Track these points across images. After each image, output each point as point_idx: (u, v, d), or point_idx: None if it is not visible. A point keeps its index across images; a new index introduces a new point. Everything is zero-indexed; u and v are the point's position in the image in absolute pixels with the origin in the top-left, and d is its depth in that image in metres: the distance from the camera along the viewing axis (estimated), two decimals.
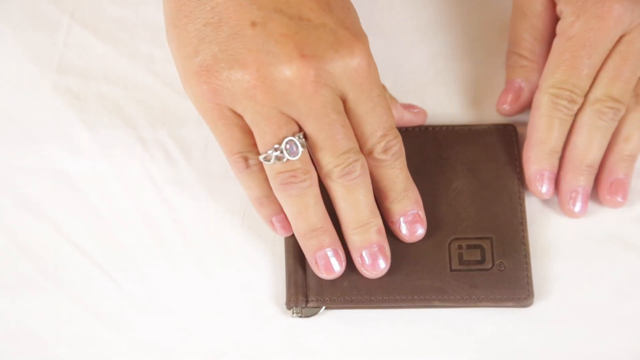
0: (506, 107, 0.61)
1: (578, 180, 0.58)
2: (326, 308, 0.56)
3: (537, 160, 0.58)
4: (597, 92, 0.57)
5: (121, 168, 0.60)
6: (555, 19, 0.59)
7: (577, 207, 0.58)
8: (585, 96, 0.58)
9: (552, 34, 0.59)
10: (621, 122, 0.58)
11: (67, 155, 0.61)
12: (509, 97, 0.61)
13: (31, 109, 0.62)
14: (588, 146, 0.58)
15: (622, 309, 0.57)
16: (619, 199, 0.58)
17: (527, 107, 0.60)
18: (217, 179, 0.60)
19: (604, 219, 0.59)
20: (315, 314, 0.56)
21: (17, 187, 0.59)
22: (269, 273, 0.58)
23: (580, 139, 0.58)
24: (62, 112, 0.62)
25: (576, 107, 0.57)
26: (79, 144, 0.61)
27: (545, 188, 0.58)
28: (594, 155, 0.58)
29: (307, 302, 0.56)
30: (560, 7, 0.58)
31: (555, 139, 0.58)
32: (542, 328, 0.56)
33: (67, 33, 0.65)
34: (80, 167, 0.60)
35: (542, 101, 0.58)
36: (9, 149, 0.61)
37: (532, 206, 0.59)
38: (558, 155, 0.58)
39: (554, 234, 0.59)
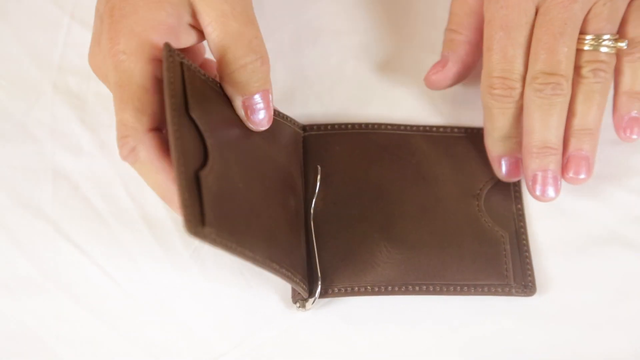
0: (432, 77, 0.60)
1: (532, 164, 0.57)
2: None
3: (492, 148, 0.58)
4: (530, 71, 0.56)
5: (121, 168, 0.60)
6: None
7: (538, 191, 0.57)
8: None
9: (481, 10, 0.59)
10: (571, 96, 0.57)
11: (67, 155, 0.61)
12: (437, 67, 0.60)
13: (31, 109, 0.62)
14: (533, 128, 0.56)
15: (622, 309, 0.57)
16: (581, 176, 0.57)
17: (455, 80, 0.60)
18: None
19: (604, 219, 0.59)
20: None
21: (17, 187, 0.59)
22: (269, 273, 0.58)
23: (526, 122, 0.57)
24: (62, 112, 0.62)
25: (515, 92, 0.56)
26: (79, 144, 0.61)
27: (504, 170, 0.58)
28: (543, 135, 0.56)
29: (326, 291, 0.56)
30: None
31: (501, 127, 0.57)
32: (542, 327, 0.56)
33: (67, 33, 0.65)
34: (80, 167, 0.60)
35: (482, 94, 0.57)
36: (9, 149, 0.61)
37: (533, 206, 0.60)
38: (514, 140, 0.58)
39: (554, 233, 0.59)
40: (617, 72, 0.58)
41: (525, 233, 0.58)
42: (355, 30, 0.66)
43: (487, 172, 0.60)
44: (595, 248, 0.59)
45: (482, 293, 0.56)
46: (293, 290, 0.56)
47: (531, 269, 0.57)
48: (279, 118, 0.59)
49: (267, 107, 0.54)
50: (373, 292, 0.56)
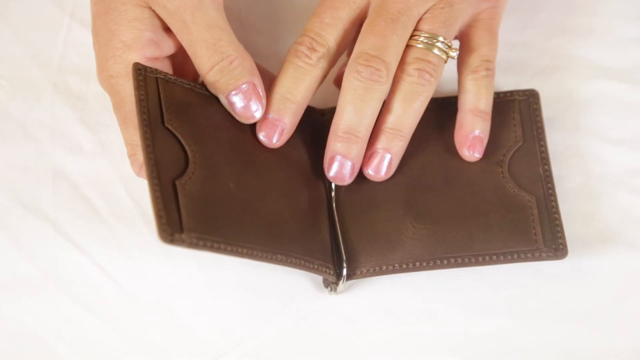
0: None
1: (335, 145, 0.56)
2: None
3: (270, 105, 0.56)
4: (354, 50, 0.55)
5: (121, 168, 0.60)
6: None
7: (332, 172, 0.57)
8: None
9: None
10: (390, 92, 0.56)
11: (67, 155, 0.61)
12: None
13: (31, 109, 0.62)
14: (344, 110, 0.55)
15: (622, 309, 0.57)
16: (380, 174, 0.57)
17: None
18: None
19: (604, 219, 0.59)
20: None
21: (17, 187, 0.59)
22: (269, 273, 0.58)
23: (340, 102, 0.55)
24: (62, 112, 0.62)
25: (316, 56, 0.55)
26: (79, 144, 0.61)
27: (263, 135, 0.56)
28: (352, 121, 0.55)
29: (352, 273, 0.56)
30: None
31: (289, 85, 0.55)
32: (542, 327, 0.56)
33: (67, 33, 0.65)
34: (80, 167, 0.60)
35: (289, 50, 0.56)
36: (9, 149, 0.61)
37: None
38: (292, 105, 0.56)
39: None
40: (462, 89, 0.58)
41: (554, 194, 0.58)
42: None
43: (509, 137, 0.59)
44: (595, 248, 0.58)
45: (512, 260, 0.56)
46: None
47: (562, 231, 0.56)
48: None
49: (250, 99, 0.54)
50: (401, 270, 0.56)
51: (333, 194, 0.58)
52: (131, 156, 0.54)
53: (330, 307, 0.57)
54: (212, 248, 0.50)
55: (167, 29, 0.55)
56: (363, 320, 0.57)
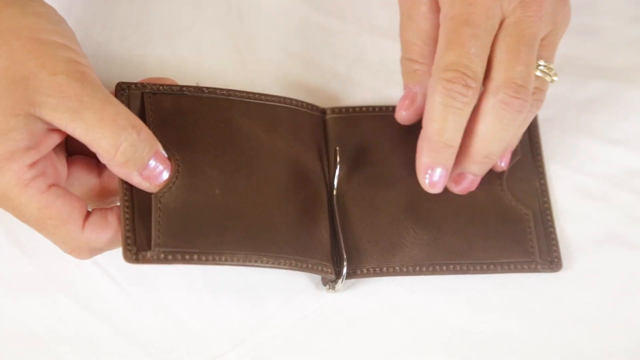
0: (403, 112, 0.58)
1: (469, 167, 0.56)
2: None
3: (429, 154, 0.54)
4: (497, 79, 0.53)
5: None
6: (439, 11, 0.56)
7: (459, 188, 0.57)
8: (485, 84, 0.54)
9: (438, 30, 0.56)
10: None
11: None
12: (405, 103, 0.58)
13: None
14: (486, 137, 0.54)
15: (622, 309, 0.57)
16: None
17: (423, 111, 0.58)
18: None
19: (604, 219, 0.59)
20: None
21: None
22: (269, 272, 0.58)
23: (482, 124, 0.54)
24: None
25: (471, 93, 0.52)
26: None
27: (433, 183, 0.55)
28: (490, 147, 0.54)
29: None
30: None
31: (451, 131, 0.53)
32: (542, 327, 0.56)
33: None
34: None
35: (433, 89, 0.53)
36: None
37: None
38: (453, 150, 0.54)
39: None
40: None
41: (549, 209, 0.59)
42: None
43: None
44: (595, 248, 0.59)
45: (509, 271, 0.57)
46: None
47: (556, 245, 0.58)
48: (291, 105, 0.59)
49: (164, 163, 0.52)
50: (401, 273, 0.56)
51: (335, 192, 0.58)
52: (71, 254, 0.52)
53: (330, 306, 0.57)
54: (183, 260, 0.51)
55: (45, 130, 0.50)
56: (363, 319, 0.57)
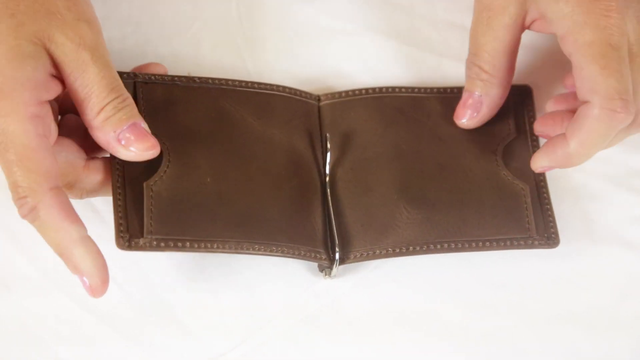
0: (464, 121, 0.59)
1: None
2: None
3: (577, 160, 0.56)
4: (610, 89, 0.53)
5: None
6: (523, 28, 0.57)
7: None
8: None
9: (517, 45, 0.57)
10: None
11: None
12: (467, 113, 0.58)
13: None
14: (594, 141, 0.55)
15: (622, 309, 0.57)
16: None
17: (484, 121, 0.59)
18: None
19: (604, 219, 0.59)
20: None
21: None
22: (269, 273, 0.58)
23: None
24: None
25: (631, 118, 0.53)
26: None
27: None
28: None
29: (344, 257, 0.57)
30: (542, 10, 0.55)
31: (604, 147, 0.55)
32: (542, 327, 0.56)
33: None
34: None
35: (599, 116, 0.53)
36: None
37: None
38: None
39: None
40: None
41: (545, 186, 0.58)
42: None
43: (504, 127, 0.60)
44: (595, 248, 0.59)
45: (505, 247, 0.56)
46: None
47: (553, 221, 0.57)
48: (284, 93, 0.60)
49: (145, 135, 0.53)
50: (394, 254, 0.56)
51: (327, 179, 0.58)
52: (19, 199, 0.50)
53: (330, 307, 0.57)
54: (175, 248, 0.52)
55: (50, 74, 0.52)
56: (363, 320, 0.57)
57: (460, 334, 0.56)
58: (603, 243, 0.59)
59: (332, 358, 0.56)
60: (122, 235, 0.52)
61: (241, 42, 0.64)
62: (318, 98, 0.61)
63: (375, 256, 0.56)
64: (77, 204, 0.59)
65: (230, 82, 0.59)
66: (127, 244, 0.52)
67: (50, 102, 0.52)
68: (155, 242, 0.52)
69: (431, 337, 0.56)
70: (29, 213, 0.50)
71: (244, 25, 0.65)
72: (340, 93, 0.61)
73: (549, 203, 0.58)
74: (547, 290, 0.57)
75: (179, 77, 0.58)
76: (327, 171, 0.58)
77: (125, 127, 0.52)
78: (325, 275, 0.57)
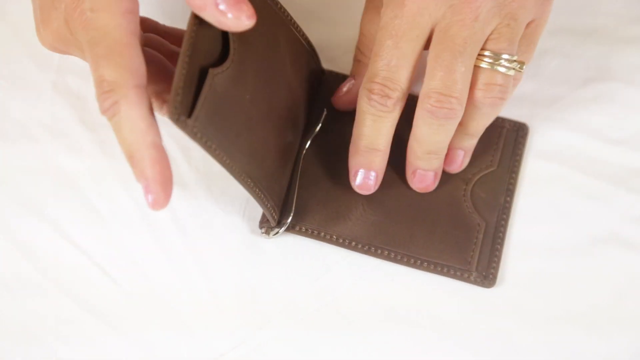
0: (337, 97, 0.61)
1: (421, 163, 0.58)
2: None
3: (353, 156, 0.57)
4: (424, 88, 0.53)
5: (121, 168, 0.60)
6: None
7: (415, 184, 0.59)
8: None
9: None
10: (465, 114, 0.56)
11: (67, 155, 0.61)
12: (342, 89, 0.61)
13: (31, 109, 0.62)
14: (422, 138, 0.56)
15: (622, 309, 0.57)
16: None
17: (351, 103, 0.60)
18: (217, 179, 0.60)
19: (604, 219, 0.59)
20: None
21: (17, 187, 0.59)
22: (269, 272, 0.58)
23: (416, 132, 0.56)
24: (62, 112, 0.62)
25: (391, 102, 0.54)
26: (79, 144, 0.61)
27: (358, 181, 0.58)
28: (430, 150, 0.57)
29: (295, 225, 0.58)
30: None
31: (368, 136, 0.56)
32: (542, 327, 0.56)
33: None
34: (80, 167, 0.60)
35: (359, 98, 0.55)
36: (9, 149, 0.61)
37: (533, 206, 0.60)
38: (379, 153, 0.56)
39: (554, 233, 0.59)
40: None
41: (505, 226, 0.59)
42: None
43: (487, 158, 0.61)
44: (595, 248, 0.59)
45: (441, 273, 0.58)
46: (262, 215, 0.58)
47: (497, 262, 0.58)
48: (310, 50, 0.61)
49: (240, 2, 0.49)
50: (337, 243, 0.58)
51: (305, 149, 0.60)
52: (104, 93, 0.48)
53: (330, 307, 0.57)
54: (203, 144, 0.50)
55: None
56: (363, 320, 0.57)
57: (461, 333, 0.56)
58: (603, 243, 0.59)
59: (332, 358, 0.56)
60: (176, 106, 0.48)
61: None
62: (322, 71, 0.64)
63: (319, 237, 0.58)
64: (77, 203, 0.59)
65: (288, 16, 0.58)
66: (176, 117, 0.48)
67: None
68: (195, 130, 0.49)
69: (431, 337, 0.56)
70: (111, 107, 0.48)
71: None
72: (345, 76, 0.63)
73: (501, 244, 0.58)
74: (547, 290, 0.57)
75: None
76: (308, 144, 0.60)
77: None
78: (263, 232, 0.58)
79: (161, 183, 0.48)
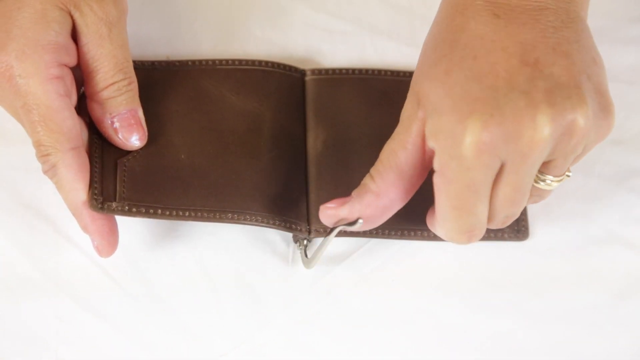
0: (324, 209, 0.53)
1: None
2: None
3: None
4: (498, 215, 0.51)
5: None
6: (424, 154, 0.51)
7: None
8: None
9: (410, 167, 0.52)
10: None
11: None
12: (334, 202, 0.53)
13: None
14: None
15: (622, 309, 0.57)
16: None
17: (340, 223, 0.54)
18: None
19: (604, 219, 0.59)
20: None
21: (17, 187, 0.59)
22: (269, 273, 0.58)
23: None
24: None
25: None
26: None
27: None
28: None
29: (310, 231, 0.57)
30: (430, 144, 0.50)
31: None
32: (542, 327, 0.56)
33: None
34: None
35: (456, 241, 0.52)
36: (9, 149, 0.61)
37: (533, 206, 0.60)
38: None
39: (554, 233, 0.59)
40: None
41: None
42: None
43: None
44: (595, 248, 0.59)
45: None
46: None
47: (525, 214, 0.58)
48: (267, 67, 0.61)
49: (137, 125, 0.55)
50: (371, 235, 0.57)
51: (306, 152, 0.59)
52: (41, 157, 0.53)
53: (330, 307, 0.57)
54: (147, 214, 0.54)
55: (69, 40, 0.54)
56: (363, 320, 0.57)
57: (461, 334, 0.56)
58: (603, 243, 0.59)
59: (332, 358, 0.56)
60: (95, 197, 0.53)
61: (240, 43, 0.64)
62: (303, 72, 0.62)
63: (352, 234, 0.57)
64: None
65: (210, 62, 0.61)
66: (99, 206, 0.53)
67: (69, 70, 0.54)
68: (127, 207, 0.54)
69: (432, 337, 0.56)
70: (50, 169, 0.53)
71: (243, 25, 0.65)
72: (326, 70, 0.62)
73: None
74: (547, 290, 0.57)
75: (159, 61, 0.60)
76: (308, 148, 0.59)
77: (123, 112, 0.55)
78: (300, 246, 0.57)
79: (102, 235, 0.54)
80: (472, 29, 0.49)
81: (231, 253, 0.58)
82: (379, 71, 0.62)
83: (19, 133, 0.61)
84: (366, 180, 0.53)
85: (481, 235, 0.52)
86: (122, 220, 0.59)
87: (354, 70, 0.62)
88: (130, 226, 0.58)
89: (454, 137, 0.47)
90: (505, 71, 0.47)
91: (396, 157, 0.51)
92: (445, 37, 0.50)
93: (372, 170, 0.53)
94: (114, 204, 0.54)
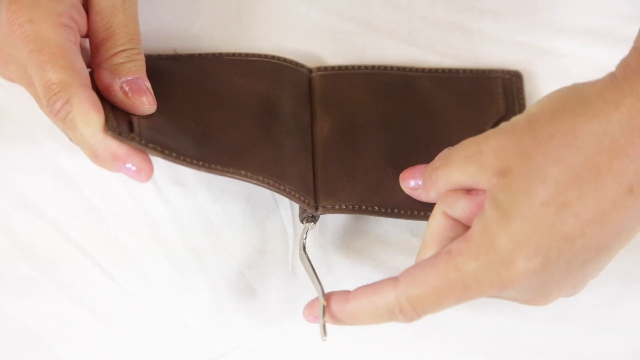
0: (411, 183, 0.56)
1: None
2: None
3: None
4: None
5: None
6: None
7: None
8: None
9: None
10: None
11: (67, 155, 0.60)
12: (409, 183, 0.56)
13: (31, 109, 0.62)
14: None
15: (622, 309, 0.57)
16: None
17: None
18: (217, 179, 0.60)
19: None
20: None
21: (17, 187, 0.59)
22: (270, 273, 0.58)
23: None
24: None
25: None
26: None
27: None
28: None
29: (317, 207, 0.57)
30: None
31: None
32: (542, 327, 0.56)
33: None
34: (80, 167, 0.60)
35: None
36: (9, 149, 0.61)
37: None
38: None
39: None
40: None
41: None
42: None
43: (494, 106, 0.61)
44: None
45: None
46: (300, 209, 0.57)
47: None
48: (273, 60, 0.62)
49: (142, 90, 0.54)
50: (380, 213, 0.57)
51: (316, 139, 0.60)
52: (53, 95, 0.51)
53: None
54: (162, 154, 0.52)
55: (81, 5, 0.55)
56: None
57: (461, 333, 0.56)
58: None
59: (332, 358, 0.56)
60: (113, 128, 0.51)
61: (241, 43, 0.64)
62: (310, 70, 0.63)
63: (361, 211, 0.57)
64: (77, 203, 0.59)
65: (217, 54, 0.61)
66: (117, 131, 0.51)
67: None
68: (144, 141, 0.52)
69: (432, 337, 0.56)
70: (63, 107, 0.51)
71: (243, 25, 0.65)
72: (333, 67, 0.63)
73: None
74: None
75: (166, 55, 0.60)
76: (315, 135, 0.60)
77: (130, 78, 0.54)
78: (306, 222, 0.56)
79: (136, 154, 0.52)
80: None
81: (230, 253, 0.58)
82: (385, 67, 0.63)
83: (19, 133, 0.61)
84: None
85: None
86: (121, 221, 0.59)
87: (359, 66, 0.63)
88: (129, 226, 0.58)
89: (505, 253, 0.47)
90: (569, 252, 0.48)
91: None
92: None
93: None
94: (130, 134, 0.52)
